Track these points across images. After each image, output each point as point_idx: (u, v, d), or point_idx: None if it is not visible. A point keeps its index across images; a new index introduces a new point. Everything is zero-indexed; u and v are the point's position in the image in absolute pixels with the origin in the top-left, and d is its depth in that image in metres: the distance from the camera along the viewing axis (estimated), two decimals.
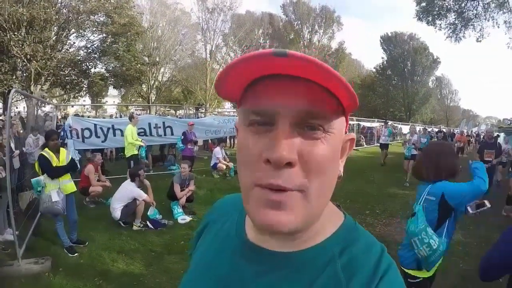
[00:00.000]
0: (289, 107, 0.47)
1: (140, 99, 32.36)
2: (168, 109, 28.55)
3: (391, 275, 0.53)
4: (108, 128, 8.84)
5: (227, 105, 40.86)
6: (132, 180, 5.53)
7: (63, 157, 4.49)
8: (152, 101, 27.43)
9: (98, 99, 42.58)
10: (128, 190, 5.42)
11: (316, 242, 0.57)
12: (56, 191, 4.24)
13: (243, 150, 0.52)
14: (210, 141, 13.55)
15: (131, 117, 8.09)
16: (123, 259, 4.38)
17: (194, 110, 17.00)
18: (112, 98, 50.55)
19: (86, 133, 8.57)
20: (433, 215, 2.32)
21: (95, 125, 8.75)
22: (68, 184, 4.50)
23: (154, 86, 28.24)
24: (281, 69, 0.45)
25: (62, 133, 8.91)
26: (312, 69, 0.43)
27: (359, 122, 22.83)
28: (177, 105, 32.94)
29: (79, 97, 22.10)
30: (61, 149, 4.60)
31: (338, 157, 0.55)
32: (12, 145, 6.14)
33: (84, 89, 20.47)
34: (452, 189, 2.31)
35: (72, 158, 4.67)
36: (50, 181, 4.31)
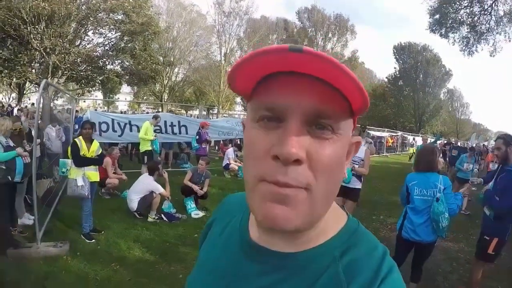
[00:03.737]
0: (301, 104, 0.47)
1: (152, 98, 32.76)
2: (179, 109, 28.83)
3: (393, 278, 0.53)
4: (125, 124, 9.10)
5: (238, 107, 41.16)
6: (151, 174, 5.74)
7: (94, 148, 4.74)
8: (165, 100, 27.76)
9: (111, 95, 43.15)
10: (146, 183, 5.62)
11: (318, 243, 0.57)
12: (82, 176, 4.45)
13: (250, 145, 0.52)
14: (222, 142, 13.76)
15: (156, 117, 8.33)
16: (139, 248, 4.56)
17: (206, 111, 17.21)
18: (124, 95, 51.03)
19: (103, 127, 8.82)
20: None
21: (112, 119, 9.02)
22: (92, 172, 4.71)
23: (168, 86, 28.59)
24: (295, 66, 0.45)
25: (77, 125, 9.21)
26: (327, 68, 0.43)
27: (369, 132, 22.87)
28: (188, 105, 33.29)
29: (92, 92, 22.52)
30: (94, 140, 4.85)
31: (344, 159, 0.55)
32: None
33: (97, 84, 20.85)
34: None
35: (102, 153, 4.89)
36: (75, 167, 4.53)
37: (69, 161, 4.57)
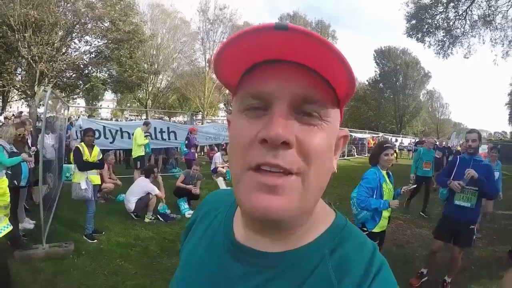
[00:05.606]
0: (287, 89, 0.46)
1: (135, 105, 32.63)
2: (163, 115, 28.86)
3: (384, 274, 0.52)
4: (116, 131, 9.36)
5: (221, 113, 41.40)
6: (147, 176, 6.07)
7: (95, 154, 5.08)
8: (150, 106, 27.84)
9: (94, 103, 42.80)
10: (143, 185, 5.96)
11: (306, 241, 0.56)
12: (85, 180, 4.77)
13: (236, 135, 0.50)
14: (208, 147, 14.04)
15: (147, 123, 8.63)
16: (140, 245, 4.89)
17: (189, 118, 17.36)
18: (107, 102, 50.55)
19: (96, 134, 9.02)
20: None
21: (104, 127, 9.24)
22: (95, 176, 5.04)
23: (152, 92, 28.66)
24: (281, 54, 0.45)
25: (68, 132, 9.43)
26: (312, 50, 0.43)
27: (351, 133, 23.49)
28: (172, 111, 33.34)
29: (75, 100, 22.46)
30: (95, 146, 5.19)
31: (333, 148, 0.54)
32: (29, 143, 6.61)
33: (82, 92, 20.83)
34: None
35: (102, 157, 5.20)
36: (78, 171, 4.84)
37: (73, 166, 4.88)
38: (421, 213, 7.58)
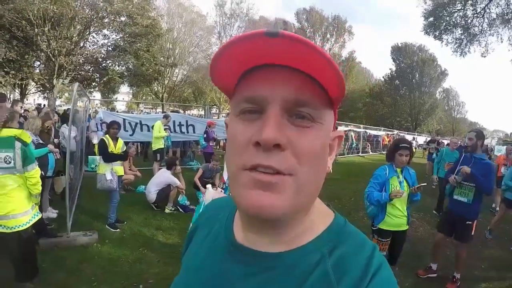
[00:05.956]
0: (279, 93, 0.48)
1: (150, 98, 32.88)
2: (178, 108, 29.07)
3: (383, 274, 0.53)
4: (136, 123, 9.53)
5: None
6: (168, 169, 6.22)
7: (119, 146, 5.25)
8: (166, 100, 28.08)
9: (110, 95, 43.27)
10: (164, 177, 6.11)
11: (305, 241, 0.56)
12: (110, 171, 4.91)
13: (232, 138, 0.52)
14: (224, 141, 14.15)
15: (166, 116, 8.76)
16: (162, 235, 5.03)
17: (204, 111, 17.48)
18: (121, 95, 50.98)
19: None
20: None
21: (124, 119, 9.38)
22: (119, 167, 5.19)
23: (168, 86, 28.91)
24: (273, 58, 0.47)
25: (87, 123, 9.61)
26: (301, 54, 0.44)
27: (366, 130, 23.36)
28: (187, 104, 33.56)
29: (91, 93, 22.77)
30: (119, 139, 5.35)
31: (327, 150, 0.55)
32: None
33: (100, 85, 21.13)
34: None
35: (126, 149, 5.35)
36: (103, 163, 4.99)
37: (98, 158, 5.03)
38: (434, 211, 7.52)
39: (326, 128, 0.53)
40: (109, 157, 5.05)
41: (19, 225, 3.30)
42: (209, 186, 8.43)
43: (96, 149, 5.24)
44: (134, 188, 7.29)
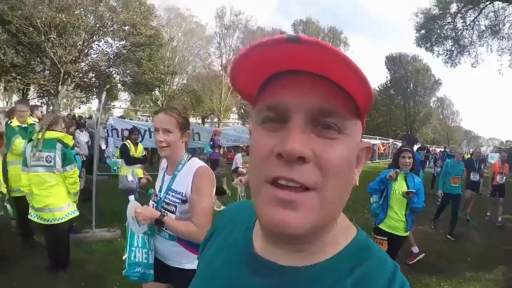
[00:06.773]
0: (303, 102, 0.45)
1: (148, 106, 33.14)
2: None
3: None
4: (145, 130, 9.85)
5: (233, 116, 41.70)
6: None
7: (139, 150, 5.73)
8: None
9: (109, 102, 43.39)
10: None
11: (326, 257, 0.54)
12: (131, 173, 5.33)
13: (255, 147, 0.50)
14: (226, 149, 14.53)
15: None
16: None
17: (201, 120, 17.87)
18: (119, 102, 51.12)
19: (126, 133, 9.59)
20: None
21: (134, 126, 9.76)
22: (138, 169, 5.63)
23: (167, 94, 29.27)
24: (296, 64, 0.44)
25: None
26: (325, 59, 0.41)
27: (362, 139, 23.80)
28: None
29: (92, 99, 23.04)
30: (139, 144, 5.83)
31: (354, 162, 0.52)
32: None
33: (99, 92, 21.41)
34: None
35: (145, 154, 5.77)
36: (125, 165, 5.42)
37: (120, 161, 5.46)
38: (448, 236, 6.41)
39: (353, 139, 0.50)
40: (131, 160, 5.47)
41: (55, 219, 3.61)
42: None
43: (118, 153, 5.65)
44: (145, 191, 7.64)
